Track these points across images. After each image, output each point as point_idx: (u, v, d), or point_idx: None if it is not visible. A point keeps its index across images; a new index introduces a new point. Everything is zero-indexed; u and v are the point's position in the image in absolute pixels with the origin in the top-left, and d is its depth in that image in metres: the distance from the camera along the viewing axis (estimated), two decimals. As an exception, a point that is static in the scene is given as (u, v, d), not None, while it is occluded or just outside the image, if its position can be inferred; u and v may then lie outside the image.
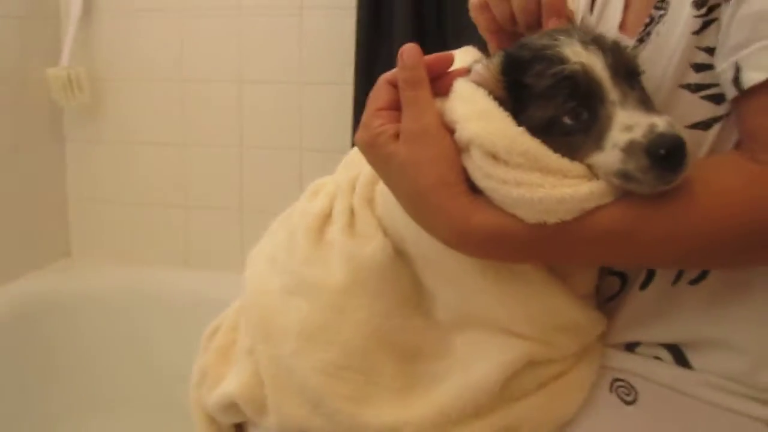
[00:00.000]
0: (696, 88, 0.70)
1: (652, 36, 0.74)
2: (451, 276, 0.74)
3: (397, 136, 0.68)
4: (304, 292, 0.79)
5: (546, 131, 0.66)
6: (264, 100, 2.01)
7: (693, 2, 0.69)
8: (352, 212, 0.80)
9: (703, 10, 0.68)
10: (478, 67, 0.71)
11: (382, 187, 0.76)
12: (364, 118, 0.71)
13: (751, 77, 0.63)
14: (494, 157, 0.65)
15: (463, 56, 0.76)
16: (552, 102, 0.66)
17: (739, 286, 0.71)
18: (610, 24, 0.82)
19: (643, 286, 0.75)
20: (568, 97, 0.65)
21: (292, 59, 1.97)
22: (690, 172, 0.62)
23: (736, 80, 0.65)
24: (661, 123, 0.62)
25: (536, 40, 0.70)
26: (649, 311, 0.75)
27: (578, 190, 0.63)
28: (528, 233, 0.65)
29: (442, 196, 0.66)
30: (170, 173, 2.11)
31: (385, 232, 0.77)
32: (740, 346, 0.71)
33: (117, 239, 2.17)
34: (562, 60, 0.66)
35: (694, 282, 0.72)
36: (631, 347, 0.77)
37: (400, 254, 0.77)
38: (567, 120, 0.65)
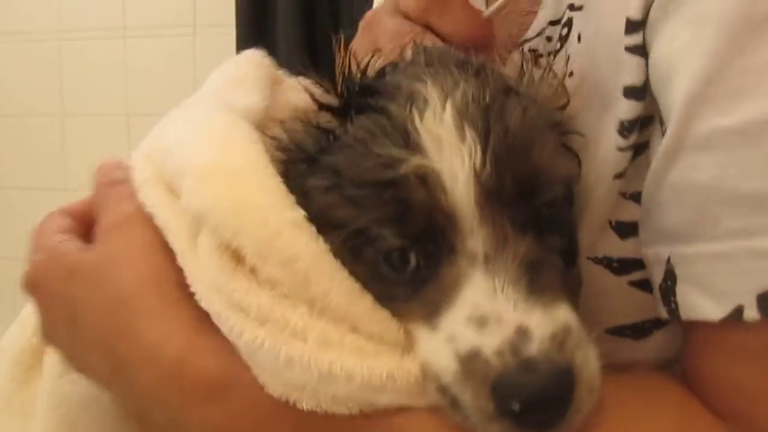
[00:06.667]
0: (620, 267, 0.44)
1: None
2: None
3: (83, 251, 0.45)
4: None
5: (348, 249, 0.40)
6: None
7: (619, 126, 0.42)
8: None
9: (633, 138, 0.42)
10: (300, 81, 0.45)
11: None
12: (33, 246, 0.48)
13: (695, 308, 0.39)
14: (235, 256, 0.39)
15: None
16: (363, 212, 0.39)
17: None
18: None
19: None
20: (390, 222, 0.39)
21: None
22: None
23: (666, 294, 0.40)
24: (537, 334, 0.35)
25: (396, 70, 0.44)
26: None
27: (372, 364, 0.37)
28: (271, 412, 0.38)
29: (153, 297, 0.41)
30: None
31: None
32: None
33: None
34: (404, 136, 0.39)
35: None
36: None
37: None
38: (383, 259, 0.39)
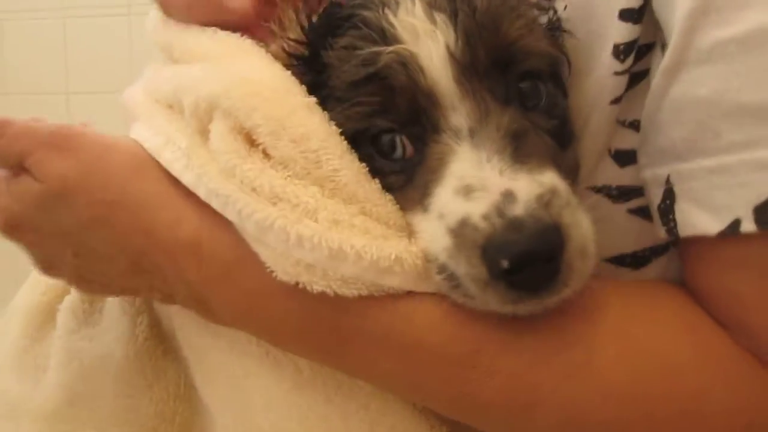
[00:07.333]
0: (619, 195, 0.44)
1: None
2: (229, 377, 0.46)
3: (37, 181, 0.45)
4: (9, 417, 0.53)
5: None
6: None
7: (614, 50, 0.42)
8: None
9: (629, 62, 0.42)
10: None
11: None
12: None
13: (693, 223, 0.39)
14: (248, 139, 0.40)
15: None
16: (354, 109, 0.41)
17: None
18: None
19: None
20: (378, 112, 0.41)
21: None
22: (578, 287, 0.38)
23: (665, 214, 0.40)
24: (523, 195, 0.36)
25: None
26: None
27: (381, 245, 0.38)
28: (281, 292, 0.40)
29: (148, 183, 0.43)
30: None
31: (150, 309, 0.52)
32: None
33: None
34: (381, 34, 0.41)
35: None
36: None
37: (165, 344, 0.51)
38: (376, 152, 0.41)
